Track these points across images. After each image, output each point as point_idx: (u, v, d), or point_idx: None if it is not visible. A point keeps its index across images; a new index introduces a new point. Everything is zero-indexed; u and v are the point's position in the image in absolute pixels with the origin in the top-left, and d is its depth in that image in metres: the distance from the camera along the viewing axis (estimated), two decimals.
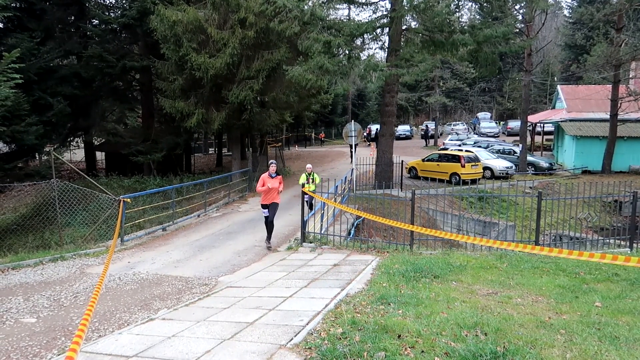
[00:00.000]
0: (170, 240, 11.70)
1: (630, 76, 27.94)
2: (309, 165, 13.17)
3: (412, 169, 23.53)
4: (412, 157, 26.63)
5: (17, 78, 12.31)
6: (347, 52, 17.76)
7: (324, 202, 10.83)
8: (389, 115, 19.45)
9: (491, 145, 29.65)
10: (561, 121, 29.82)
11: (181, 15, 17.58)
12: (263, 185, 10.15)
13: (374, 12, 18.86)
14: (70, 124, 22.86)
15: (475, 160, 22.04)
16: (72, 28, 23.35)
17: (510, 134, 43.58)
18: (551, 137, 36.94)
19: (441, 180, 15.70)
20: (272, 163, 10.51)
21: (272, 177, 10.22)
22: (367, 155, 24.12)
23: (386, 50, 18.99)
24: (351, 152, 26.32)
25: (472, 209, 18.36)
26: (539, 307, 5.23)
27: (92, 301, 3.73)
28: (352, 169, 19.45)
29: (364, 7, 19.79)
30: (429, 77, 44.36)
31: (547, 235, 13.77)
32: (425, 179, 20.69)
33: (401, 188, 18.90)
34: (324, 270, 7.56)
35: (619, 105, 24.41)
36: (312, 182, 12.74)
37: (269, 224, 10.62)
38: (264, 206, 10.48)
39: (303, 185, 12.17)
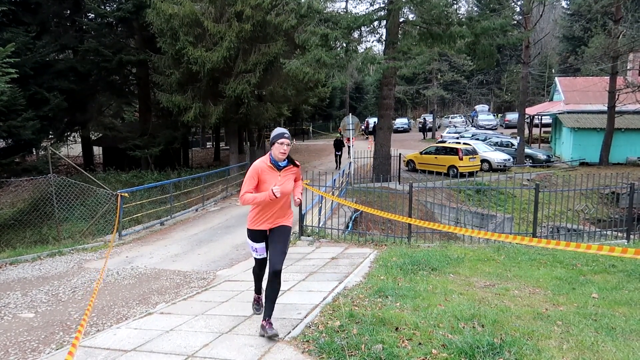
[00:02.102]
0: (168, 234, 11.70)
1: (628, 68, 27.91)
2: None
3: (410, 162, 23.53)
4: (410, 150, 26.62)
5: (13, 73, 12.25)
6: (344, 45, 17.71)
7: (322, 196, 10.82)
8: (387, 108, 19.43)
9: (489, 138, 29.65)
10: (559, 113, 29.82)
11: (177, 8, 17.49)
12: (257, 188, 4.43)
13: (371, 5, 18.83)
14: (67, 119, 22.79)
15: (473, 153, 22.05)
16: (68, 22, 23.20)
17: (508, 127, 43.56)
18: (549, 129, 36.94)
19: (439, 173, 15.70)
20: (281, 136, 4.36)
21: (279, 169, 4.43)
22: (365, 148, 24.11)
23: (384, 43, 18.94)
24: (336, 155, 24.32)
25: (469, 201, 18.39)
26: (536, 298, 5.25)
27: (91, 297, 3.73)
28: (350, 162, 19.44)
29: None
30: (427, 69, 44.22)
31: (544, 227, 13.80)
32: (423, 171, 20.71)
33: (399, 181, 18.91)
34: (322, 263, 7.57)
35: (616, 97, 24.40)
36: None
37: (272, 284, 4.32)
38: (254, 235, 4.56)
39: None
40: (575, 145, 27.16)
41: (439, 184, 15.10)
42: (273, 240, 4.48)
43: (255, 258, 4.74)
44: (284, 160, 4.48)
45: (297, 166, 4.65)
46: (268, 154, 4.50)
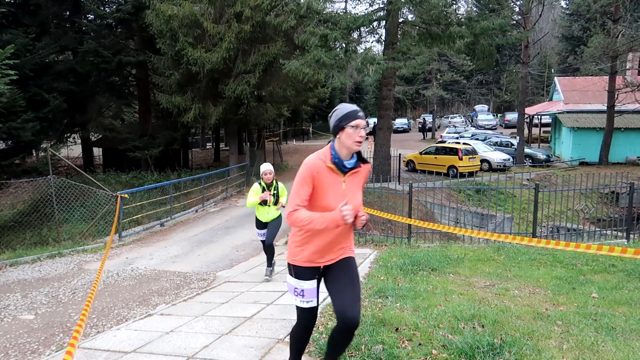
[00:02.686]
0: (168, 235, 11.70)
1: (627, 67, 27.92)
2: (268, 168, 6.73)
3: (409, 162, 23.53)
4: (410, 150, 26.62)
5: (12, 74, 12.26)
6: (344, 45, 17.71)
7: None
8: (387, 109, 19.43)
9: (489, 138, 29.66)
10: (558, 113, 29.83)
11: (177, 9, 17.50)
12: (312, 199, 2.81)
13: (371, 5, 18.83)
14: (67, 120, 22.79)
15: (472, 152, 22.06)
16: (68, 23, 23.22)
17: (507, 126, 43.57)
18: (548, 129, 36.95)
19: (439, 173, 15.71)
20: (354, 116, 2.79)
21: (343, 171, 2.86)
22: (364, 148, 24.09)
23: (383, 43, 18.94)
24: None
25: (469, 201, 18.39)
26: (536, 298, 5.25)
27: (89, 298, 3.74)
28: None
29: None
30: (426, 70, 44.25)
31: (544, 227, 13.79)
32: (423, 172, 20.71)
33: (399, 181, 18.90)
34: None
35: (615, 96, 24.41)
36: (275, 201, 6.77)
37: (344, 340, 3.02)
38: (301, 272, 2.95)
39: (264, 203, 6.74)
40: (574, 145, 27.16)
41: (439, 184, 15.09)
42: (339, 281, 2.91)
43: (299, 307, 2.97)
44: (353, 156, 2.86)
45: (367, 163, 3.00)
46: (327, 147, 2.86)
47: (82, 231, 12.22)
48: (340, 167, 2.81)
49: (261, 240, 7.10)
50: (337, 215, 2.66)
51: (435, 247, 8.54)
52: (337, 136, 2.81)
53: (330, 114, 2.88)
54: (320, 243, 2.88)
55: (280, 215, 6.87)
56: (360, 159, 2.93)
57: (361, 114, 2.79)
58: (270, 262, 7.07)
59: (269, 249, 6.99)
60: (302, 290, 2.91)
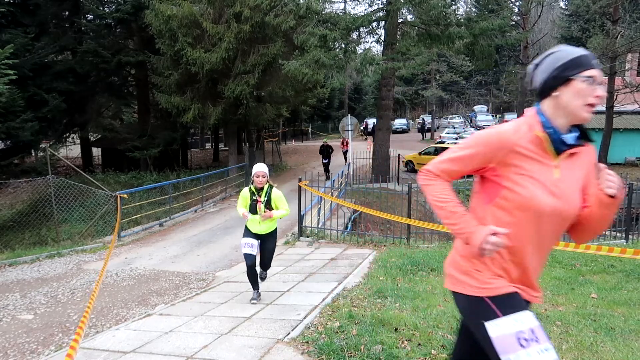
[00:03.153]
0: (167, 235, 11.69)
1: (626, 68, 27.94)
2: (260, 169, 5.48)
3: (409, 163, 23.54)
4: (409, 151, 26.63)
5: (12, 74, 12.25)
6: (343, 45, 17.74)
7: (321, 196, 10.81)
8: (386, 109, 19.44)
9: None
10: None
11: (176, 9, 17.50)
12: (486, 186, 1.98)
13: (370, 5, 18.86)
14: (66, 120, 22.76)
15: None
16: (67, 23, 23.20)
17: None
18: None
19: None
20: (587, 63, 1.73)
21: (559, 150, 1.79)
22: (364, 149, 24.11)
23: (382, 43, 18.97)
24: (324, 164, 20.60)
25: (469, 202, 18.38)
26: None
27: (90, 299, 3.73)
28: (349, 163, 19.44)
29: (360, 0, 19.73)
30: (426, 70, 44.29)
31: None
32: None
33: (398, 182, 18.91)
34: (321, 264, 7.57)
35: (615, 97, 24.42)
36: (264, 205, 5.41)
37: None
38: (511, 302, 1.76)
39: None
40: None
41: None
42: None
43: None
44: (574, 129, 1.83)
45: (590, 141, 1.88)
46: (530, 113, 1.90)
47: (81, 231, 12.21)
48: (556, 142, 1.77)
49: (245, 255, 5.53)
50: (477, 234, 1.75)
51: (435, 247, 8.55)
52: (555, 94, 1.77)
53: (537, 61, 1.85)
54: (530, 259, 1.79)
55: (276, 230, 5.75)
56: (584, 134, 1.83)
57: (596, 61, 1.75)
58: (256, 285, 5.70)
59: (260, 275, 5.84)
60: (532, 331, 1.66)
